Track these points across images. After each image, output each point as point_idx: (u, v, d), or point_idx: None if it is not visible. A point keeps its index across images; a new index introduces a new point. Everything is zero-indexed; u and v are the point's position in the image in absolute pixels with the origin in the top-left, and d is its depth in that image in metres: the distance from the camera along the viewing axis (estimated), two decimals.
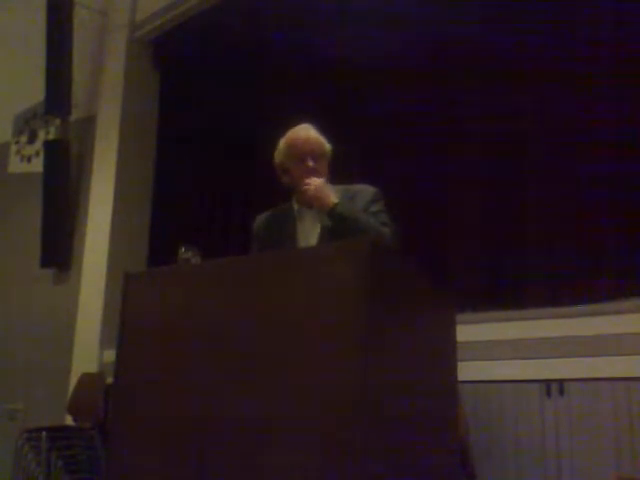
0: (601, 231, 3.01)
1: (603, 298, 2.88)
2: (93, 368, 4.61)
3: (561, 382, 2.80)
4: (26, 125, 6.09)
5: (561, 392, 2.79)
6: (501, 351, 2.97)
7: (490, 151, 3.44)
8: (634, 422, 2.60)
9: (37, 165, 5.67)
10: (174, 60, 5.34)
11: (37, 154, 5.80)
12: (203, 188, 4.93)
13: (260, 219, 2.48)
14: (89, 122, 5.45)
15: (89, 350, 4.74)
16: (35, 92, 5.56)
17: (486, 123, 3.48)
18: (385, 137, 3.90)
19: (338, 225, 2.14)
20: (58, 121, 5.54)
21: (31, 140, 6.00)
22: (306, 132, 2.39)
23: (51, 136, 5.68)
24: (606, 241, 3.00)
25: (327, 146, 2.41)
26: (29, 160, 5.95)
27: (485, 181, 3.45)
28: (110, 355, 4.26)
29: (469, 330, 2.72)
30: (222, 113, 4.88)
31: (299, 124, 2.44)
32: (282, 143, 2.41)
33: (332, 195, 2.20)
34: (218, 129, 4.91)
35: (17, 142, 6.14)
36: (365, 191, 2.36)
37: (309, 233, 2.29)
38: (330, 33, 4.13)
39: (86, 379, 4.49)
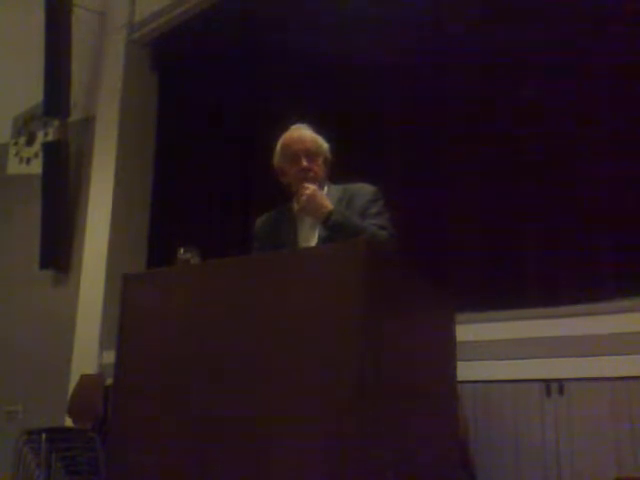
0: (600, 231, 3.02)
1: (602, 298, 2.88)
2: (93, 369, 4.61)
3: (561, 382, 2.80)
4: (25, 126, 6.09)
5: (561, 392, 2.79)
6: (500, 351, 2.97)
7: (489, 150, 3.44)
8: (634, 421, 2.60)
9: (36, 167, 5.67)
10: (173, 61, 5.34)
11: (36, 155, 5.80)
12: (202, 189, 4.92)
13: (261, 219, 2.47)
14: (88, 123, 5.44)
15: (89, 351, 4.73)
16: (33, 93, 5.56)
17: (486, 122, 3.48)
18: (385, 136, 3.91)
19: (334, 233, 2.14)
20: (57, 122, 5.53)
21: (30, 142, 6.00)
22: (299, 131, 2.40)
23: (50, 137, 5.67)
24: (605, 241, 3.00)
25: (323, 145, 2.40)
26: (28, 162, 5.95)
27: (484, 181, 3.45)
28: (110, 356, 4.26)
29: (468, 330, 2.72)
30: (220, 114, 4.88)
31: (298, 124, 2.45)
32: (278, 145, 2.42)
33: (326, 203, 2.19)
34: (217, 130, 4.91)
35: (16, 143, 6.13)
36: (364, 190, 2.35)
37: (309, 235, 2.29)
38: (328, 32, 4.13)
39: (86, 380, 4.48)
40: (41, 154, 5.54)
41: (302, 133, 2.39)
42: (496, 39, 3.48)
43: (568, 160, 3.16)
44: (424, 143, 3.73)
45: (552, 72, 3.27)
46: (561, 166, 3.18)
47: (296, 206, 2.34)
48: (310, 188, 2.20)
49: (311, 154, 2.34)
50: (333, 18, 4.13)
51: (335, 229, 2.13)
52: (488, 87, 3.52)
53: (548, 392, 2.82)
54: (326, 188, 2.37)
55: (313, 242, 2.25)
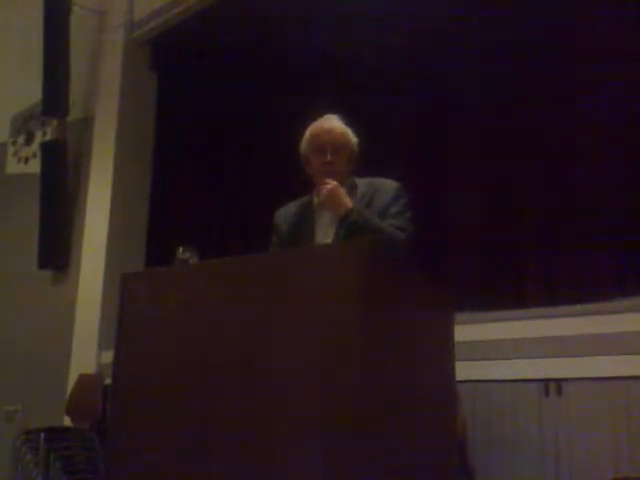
0: (600, 231, 3.02)
1: (601, 297, 2.88)
2: (91, 369, 4.60)
3: (559, 382, 2.80)
4: (23, 126, 6.08)
5: (559, 392, 2.79)
6: (499, 351, 2.97)
7: (490, 151, 3.45)
8: (632, 421, 2.61)
9: (34, 166, 5.66)
10: (171, 60, 5.34)
11: (34, 155, 5.79)
12: (201, 188, 4.92)
13: (281, 212, 2.44)
14: (86, 123, 5.44)
15: (87, 351, 4.73)
16: (32, 93, 5.55)
17: (486, 124, 3.49)
18: (386, 137, 3.90)
19: (352, 231, 2.12)
20: (55, 122, 5.51)
21: (28, 141, 5.99)
22: (329, 122, 2.36)
23: (48, 137, 5.65)
24: (605, 241, 3.00)
25: (352, 139, 2.37)
26: (26, 161, 5.94)
27: (485, 181, 3.45)
28: (108, 356, 4.26)
29: (468, 330, 2.72)
30: (219, 113, 4.87)
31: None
32: (307, 133, 2.38)
33: (345, 201, 2.17)
34: (216, 129, 4.90)
35: (14, 143, 6.12)
36: (387, 187, 2.32)
37: (327, 231, 2.27)
38: (329, 33, 4.12)
39: (84, 380, 4.48)
40: (40, 153, 5.52)
41: (332, 124, 2.36)
42: (496, 30, 3.48)
43: (568, 159, 3.16)
44: (424, 143, 3.72)
45: (550, 64, 3.27)
46: (561, 165, 3.18)
47: (316, 199, 2.33)
48: (331, 184, 2.19)
49: (338, 147, 2.31)
50: (334, 17, 4.13)
51: (353, 227, 2.12)
52: (490, 89, 3.52)
53: (546, 392, 2.82)
54: (350, 182, 2.34)
55: (330, 238, 2.24)
